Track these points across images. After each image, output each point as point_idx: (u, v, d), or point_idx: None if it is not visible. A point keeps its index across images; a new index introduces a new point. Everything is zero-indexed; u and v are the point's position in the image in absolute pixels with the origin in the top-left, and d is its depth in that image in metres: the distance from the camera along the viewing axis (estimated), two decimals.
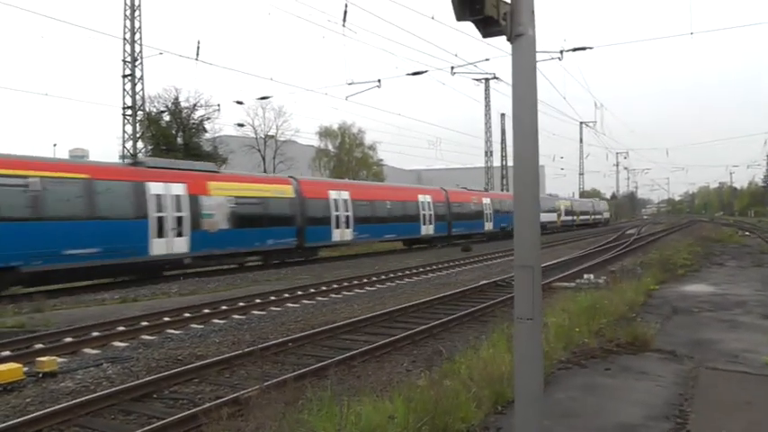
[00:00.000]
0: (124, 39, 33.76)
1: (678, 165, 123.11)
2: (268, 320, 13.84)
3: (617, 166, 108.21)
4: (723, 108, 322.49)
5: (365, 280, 20.73)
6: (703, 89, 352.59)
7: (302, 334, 11.48)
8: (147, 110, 39.04)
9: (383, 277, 21.60)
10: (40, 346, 11.18)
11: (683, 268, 18.66)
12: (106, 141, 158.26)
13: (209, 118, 45.63)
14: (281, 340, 10.90)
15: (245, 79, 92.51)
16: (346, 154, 61.29)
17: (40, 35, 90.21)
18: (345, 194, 32.64)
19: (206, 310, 14.76)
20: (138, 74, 33.97)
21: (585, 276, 17.36)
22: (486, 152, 65.07)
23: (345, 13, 22.85)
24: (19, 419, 6.83)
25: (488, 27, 4.12)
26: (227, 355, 9.75)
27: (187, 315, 14.16)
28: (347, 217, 32.23)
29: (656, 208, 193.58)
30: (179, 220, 23.08)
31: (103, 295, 18.39)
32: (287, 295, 17.23)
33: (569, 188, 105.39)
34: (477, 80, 47.84)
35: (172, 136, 43.76)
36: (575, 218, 75.13)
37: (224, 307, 15.27)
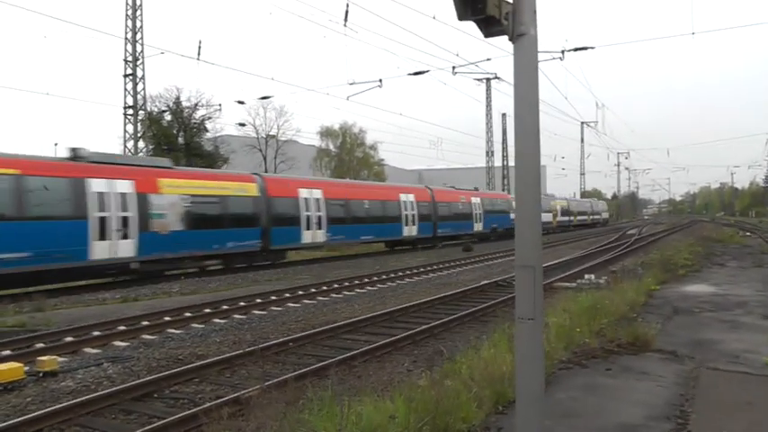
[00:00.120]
0: (125, 38, 33.83)
1: (679, 165, 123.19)
2: (269, 320, 13.84)
3: (618, 166, 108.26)
4: (724, 108, 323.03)
5: (366, 280, 20.73)
6: (704, 89, 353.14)
7: (303, 334, 11.49)
8: (149, 109, 39.06)
9: (384, 277, 21.60)
10: (40, 345, 11.20)
11: (683, 268, 18.65)
12: (107, 141, 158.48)
13: (210, 117, 45.59)
14: (281, 340, 10.91)
15: (247, 79, 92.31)
16: (347, 154, 61.24)
17: (42, 35, 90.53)
18: (318, 193, 30.57)
19: (207, 310, 14.77)
20: (139, 73, 34.06)
21: (586, 276, 17.36)
22: (487, 152, 65.16)
23: (347, 12, 22.92)
24: (20, 419, 6.83)
25: (490, 27, 4.12)
26: (228, 355, 9.75)
27: (188, 315, 14.17)
28: (319, 217, 30.21)
29: (657, 208, 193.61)
30: (125, 220, 21.06)
31: (104, 295, 18.40)
32: (288, 295, 17.23)
33: (571, 188, 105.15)
34: (478, 80, 47.97)
35: (173, 136, 43.72)
36: (571, 218, 73.29)
37: (225, 306, 15.27)
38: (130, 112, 34.33)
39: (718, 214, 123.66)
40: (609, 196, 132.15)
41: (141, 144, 35.79)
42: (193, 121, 45.19)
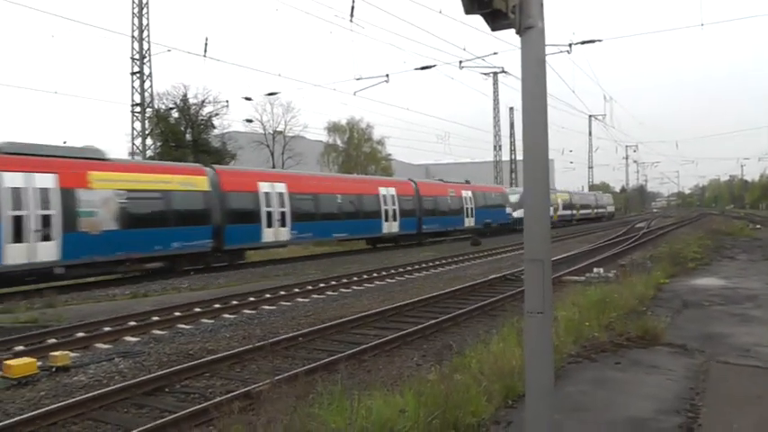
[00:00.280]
0: (132, 36, 33.97)
1: (688, 157, 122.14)
2: (278, 315, 13.90)
3: (626, 159, 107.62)
4: (734, 100, 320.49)
5: (375, 274, 20.76)
6: (713, 81, 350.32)
7: (312, 328, 11.53)
8: (156, 107, 39.25)
9: (392, 272, 21.62)
10: (52, 340, 11.31)
11: (693, 262, 18.58)
12: (115, 138, 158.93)
13: (217, 114, 45.72)
14: (291, 335, 10.96)
15: (254, 75, 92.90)
16: (355, 149, 61.26)
17: (50, 34, 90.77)
18: (281, 187, 27.79)
19: (216, 305, 14.84)
20: (146, 71, 34.21)
21: (595, 270, 17.31)
22: (494, 146, 65.12)
23: (353, 8, 22.87)
24: (34, 412, 6.92)
25: (497, 20, 4.11)
26: (238, 350, 9.81)
27: (198, 310, 14.25)
28: (282, 213, 27.44)
29: (665, 201, 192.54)
30: (46, 219, 18.63)
31: (114, 291, 18.52)
32: (297, 290, 17.29)
33: (579, 182, 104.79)
34: (485, 74, 47.68)
35: (180, 132, 43.89)
36: (574, 212, 69.73)
37: (234, 302, 15.34)
38: (138, 109, 34.48)
39: (728, 207, 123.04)
40: (617, 189, 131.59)
41: (149, 141, 35.95)
42: (200, 117, 45.34)
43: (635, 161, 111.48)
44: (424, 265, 23.84)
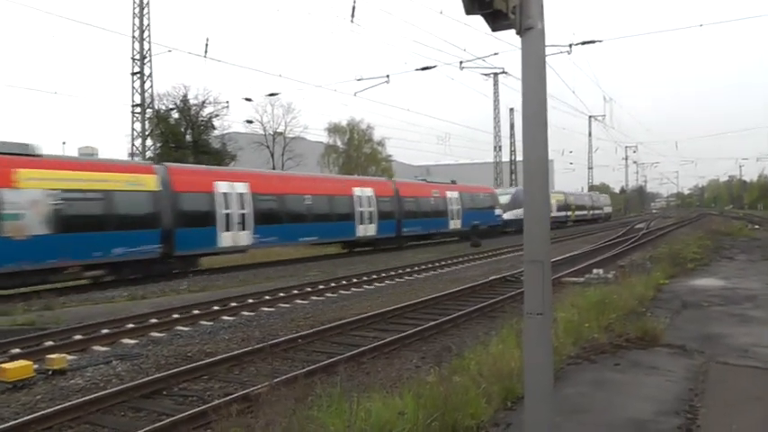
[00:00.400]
0: (133, 36, 33.93)
1: (687, 158, 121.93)
2: (277, 317, 13.87)
3: (626, 159, 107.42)
4: (733, 100, 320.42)
5: (374, 276, 20.74)
6: (713, 81, 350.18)
7: (312, 330, 11.51)
8: (156, 107, 39.31)
9: (392, 273, 21.60)
10: (50, 343, 11.26)
11: (692, 262, 18.57)
12: (115, 139, 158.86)
13: (217, 115, 45.86)
14: (290, 337, 10.93)
15: (254, 76, 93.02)
16: (355, 150, 61.37)
17: (50, 34, 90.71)
18: (241, 187, 25.45)
19: (215, 307, 14.81)
20: (146, 71, 34.15)
21: (595, 271, 17.28)
22: (495, 147, 64.99)
23: (354, 9, 22.94)
24: (30, 416, 6.88)
25: (497, 21, 4.11)
26: (237, 352, 9.78)
27: (196, 312, 14.22)
28: (243, 215, 25.15)
29: (665, 202, 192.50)
30: None
31: (112, 293, 18.46)
32: (296, 292, 17.26)
33: (579, 182, 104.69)
34: (485, 75, 47.51)
35: (181, 133, 43.96)
36: (568, 213, 66.95)
37: (233, 304, 15.32)
38: (138, 110, 34.44)
39: (727, 207, 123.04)
40: (617, 190, 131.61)
41: (149, 142, 35.93)
42: (201, 118, 45.44)
43: (635, 162, 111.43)
44: (423, 267, 23.82)
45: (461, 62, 33.61)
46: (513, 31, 4.14)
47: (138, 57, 34.02)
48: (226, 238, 24.48)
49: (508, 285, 17.14)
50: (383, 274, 21.15)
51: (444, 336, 11.09)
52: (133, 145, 34.73)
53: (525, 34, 4.11)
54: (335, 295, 17.07)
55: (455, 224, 41.27)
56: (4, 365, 8.71)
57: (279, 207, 27.55)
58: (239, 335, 11.92)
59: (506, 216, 47.53)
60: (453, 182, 45.34)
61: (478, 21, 4.14)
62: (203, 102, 45.24)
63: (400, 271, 22.25)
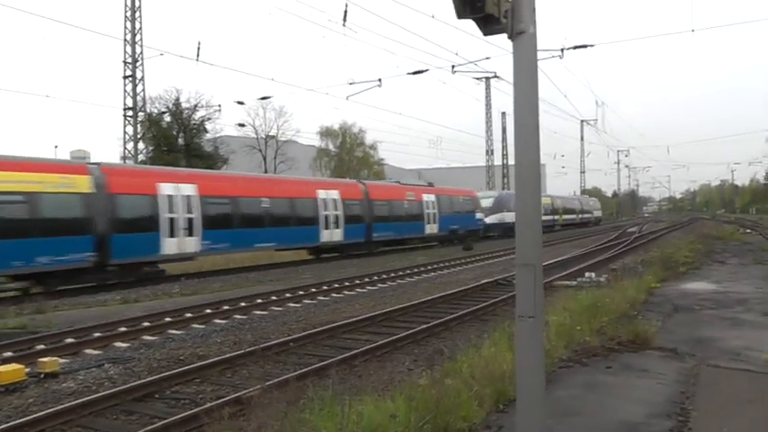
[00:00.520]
0: (125, 40, 33.91)
1: (679, 162, 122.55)
2: (270, 320, 13.84)
3: (618, 163, 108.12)
4: (724, 105, 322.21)
5: (366, 279, 20.73)
6: (704, 86, 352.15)
7: (304, 333, 11.48)
8: (148, 111, 39.23)
9: (384, 276, 21.60)
10: (41, 346, 11.19)
11: (684, 266, 18.66)
12: (107, 143, 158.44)
13: (209, 118, 45.78)
14: (282, 340, 10.91)
15: (246, 79, 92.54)
16: (347, 154, 61.46)
17: (41, 37, 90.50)
18: (189, 189, 23.32)
19: (208, 311, 14.76)
20: (138, 75, 34.15)
21: (587, 275, 17.33)
22: (486, 151, 65.19)
23: (346, 12, 22.91)
24: (21, 420, 6.84)
25: (489, 25, 4.13)
26: (229, 355, 9.76)
27: (189, 315, 14.17)
28: (190, 220, 23.03)
29: (657, 206, 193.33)
30: None
31: (104, 296, 18.37)
32: (288, 295, 17.22)
33: (571, 187, 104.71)
34: (477, 79, 47.66)
35: (173, 137, 43.83)
36: (556, 217, 65.51)
37: (226, 307, 15.27)
38: (130, 113, 34.39)
39: (719, 212, 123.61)
40: (609, 194, 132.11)
41: (141, 145, 35.86)
42: (193, 122, 45.35)
43: (627, 166, 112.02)
44: (416, 270, 23.83)
45: (453, 66, 33.78)
46: (505, 36, 4.16)
47: (129, 60, 34.00)
48: (170, 245, 22.40)
49: (500, 289, 17.16)
50: (375, 278, 21.14)
51: (436, 339, 11.09)
52: (125, 148, 34.71)
53: (517, 38, 4.13)
54: (327, 298, 17.04)
55: (431, 228, 39.29)
56: None
57: (231, 211, 25.39)
58: (231, 338, 11.89)
59: (489, 220, 46.82)
60: (430, 184, 43.75)
61: (471, 25, 4.17)
62: (195, 105, 45.21)
63: (392, 274, 22.24)
